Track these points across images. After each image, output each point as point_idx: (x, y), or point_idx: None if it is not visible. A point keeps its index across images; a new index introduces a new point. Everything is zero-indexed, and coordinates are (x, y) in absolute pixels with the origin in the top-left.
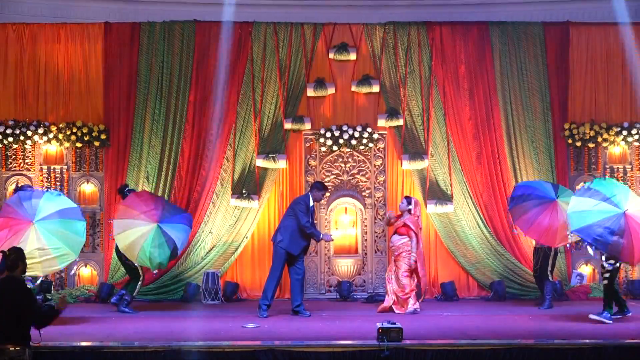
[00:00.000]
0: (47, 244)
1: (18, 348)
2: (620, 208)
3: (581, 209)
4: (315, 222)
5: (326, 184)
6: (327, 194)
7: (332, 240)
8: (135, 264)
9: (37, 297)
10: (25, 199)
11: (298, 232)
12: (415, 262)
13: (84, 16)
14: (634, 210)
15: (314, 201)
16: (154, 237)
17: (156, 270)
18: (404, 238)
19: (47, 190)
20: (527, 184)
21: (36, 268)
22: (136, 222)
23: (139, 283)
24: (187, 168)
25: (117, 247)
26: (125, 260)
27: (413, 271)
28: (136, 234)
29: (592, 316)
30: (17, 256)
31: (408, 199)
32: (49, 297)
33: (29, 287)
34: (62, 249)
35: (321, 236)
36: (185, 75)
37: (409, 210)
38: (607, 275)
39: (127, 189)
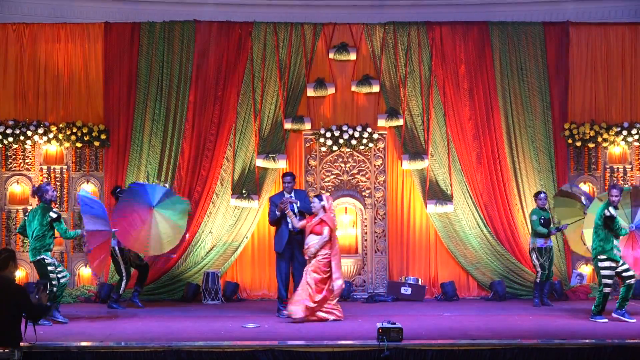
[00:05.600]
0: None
1: (7, 350)
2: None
3: None
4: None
5: (326, 183)
6: (287, 178)
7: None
8: (121, 265)
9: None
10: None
11: (277, 230)
12: (326, 261)
13: (84, 16)
14: None
15: (288, 193)
16: (167, 211)
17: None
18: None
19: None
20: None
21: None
22: (145, 232)
23: (123, 281)
24: (187, 168)
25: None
26: (114, 257)
27: (328, 276)
28: (159, 232)
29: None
30: (8, 255)
31: (319, 197)
32: None
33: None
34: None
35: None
36: (185, 75)
37: (324, 208)
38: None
39: (119, 190)
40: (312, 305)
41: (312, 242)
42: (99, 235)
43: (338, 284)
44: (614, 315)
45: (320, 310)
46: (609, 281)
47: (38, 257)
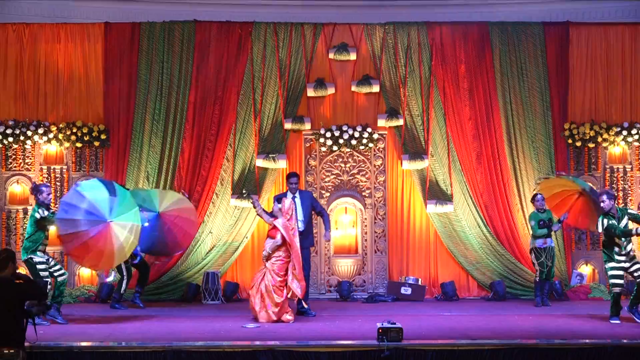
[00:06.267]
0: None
1: (12, 351)
2: None
3: None
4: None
5: (326, 183)
6: (293, 179)
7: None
8: (121, 264)
9: None
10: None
11: None
12: (280, 263)
13: (84, 16)
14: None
15: (292, 194)
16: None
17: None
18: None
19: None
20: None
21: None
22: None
23: (124, 280)
24: (187, 168)
25: None
26: None
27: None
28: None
29: None
30: (7, 256)
31: (278, 199)
32: None
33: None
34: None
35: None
36: (185, 75)
37: (280, 210)
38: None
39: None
40: (275, 310)
41: (267, 245)
42: (82, 236)
43: (294, 286)
44: (626, 310)
45: (283, 312)
46: (618, 281)
47: (26, 257)
